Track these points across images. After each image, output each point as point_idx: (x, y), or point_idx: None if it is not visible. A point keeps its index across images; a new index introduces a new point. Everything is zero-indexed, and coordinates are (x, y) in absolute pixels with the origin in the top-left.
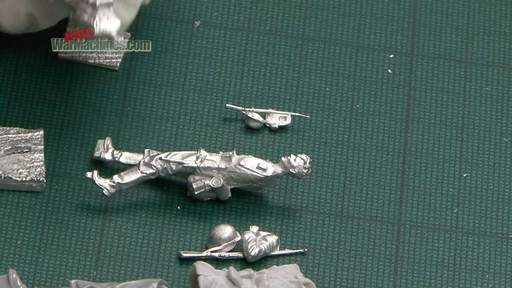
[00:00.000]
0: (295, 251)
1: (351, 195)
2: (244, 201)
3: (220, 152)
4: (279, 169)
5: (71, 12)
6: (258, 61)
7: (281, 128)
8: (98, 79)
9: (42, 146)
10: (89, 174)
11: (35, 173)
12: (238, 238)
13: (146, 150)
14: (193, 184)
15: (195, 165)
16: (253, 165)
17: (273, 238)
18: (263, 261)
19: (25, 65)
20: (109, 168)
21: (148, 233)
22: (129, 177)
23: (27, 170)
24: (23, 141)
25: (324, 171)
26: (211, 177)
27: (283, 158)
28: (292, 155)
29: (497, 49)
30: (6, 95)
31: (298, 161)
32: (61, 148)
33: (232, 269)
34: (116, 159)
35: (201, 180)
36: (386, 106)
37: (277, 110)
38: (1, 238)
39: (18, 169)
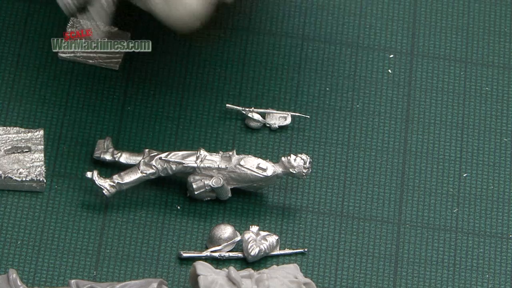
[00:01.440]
0: (295, 251)
1: (351, 195)
2: (244, 201)
3: (220, 152)
4: (279, 169)
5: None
6: (258, 61)
7: (281, 128)
8: (98, 79)
9: (42, 146)
10: (89, 174)
11: (35, 173)
12: (238, 238)
13: (146, 150)
14: (193, 184)
15: (195, 165)
16: (253, 165)
17: (273, 238)
18: (263, 261)
19: (25, 65)
20: (109, 168)
21: (148, 233)
22: (129, 177)
23: (27, 170)
24: (23, 141)
25: (324, 171)
26: (211, 177)
27: (283, 158)
28: (292, 155)
29: (497, 49)
30: (6, 95)
31: (298, 161)
32: (61, 148)
33: (232, 269)
34: (116, 159)
35: (201, 180)
36: (386, 106)
37: (277, 110)
38: (1, 238)
39: (18, 169)
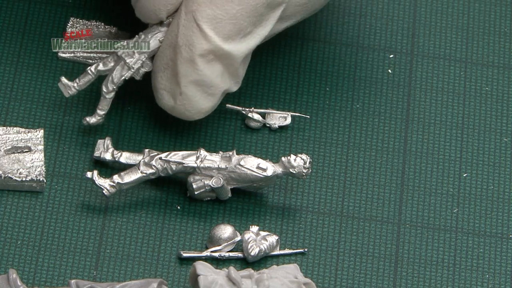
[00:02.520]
0: (295, 251)
1: (351, 195)
2: (244, 201)
3: (220, 152)
4: (279, 169)
5: None
6: (258, 61)
7: (281, 128)
8: (98, 79)
9: (42, 146)
10: (89, 174)
11: (35, 173)
12: (238, 238)
13: (146, 150)
14: (193, 184)
15: (195, 165)
16: (253, 165)
17: (273, 238)
18: (263, 261)
19: (25, 65)
20: (109, 168)
21: (148, 233)
22: (129, 177)
23: (27, 170)
24: (23, 141)
25: (324, 171)
26: (211, 177)
27: (283, 158)
28: (292, 155)
29: (497, 49)
30: (6, 95)
31: (298, 161)
32: (61, 148)
33: (232, 269)
34: (116, 159)
35: (201, 180)
36: (386, 106)
37: (277, 110)
38: (1, 238)
39: (18, 169)
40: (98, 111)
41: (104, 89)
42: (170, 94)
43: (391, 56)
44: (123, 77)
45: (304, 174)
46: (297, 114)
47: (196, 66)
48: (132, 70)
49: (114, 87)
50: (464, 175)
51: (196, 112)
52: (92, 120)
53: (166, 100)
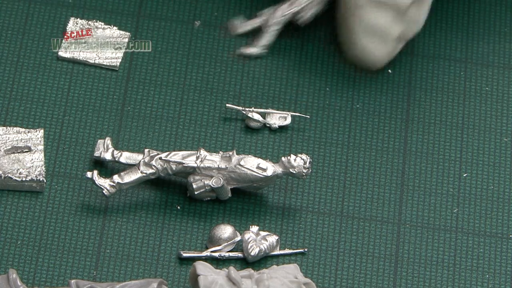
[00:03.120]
0: (295, 251)
1: (351, 195)
2: (244, 201)
3: (220, 152)
4: (279, 169)
5: None
6: (258, 61)
7: (281, 128)
8: (98, 79)
9: (42, 146)
10: (89, 174)
11: (35, 173)
12: (238, 238)
13: (146, 150)
14: (193, 184)
15: (195, 165)
16: (253, 165)
17: (273, 238)
18: (263, 261)
19: (25, 65)
20: (109, 168)
21: (148, 233)
22: (129, 177)
23: (27, 170)
24: (23, 141)
25: (324, 171)
26: (211, 177)
27: (283, 158)
28: (292, 155)
29: (497, 49)
30: (6, 95)
31: (298, 161)
32: (61, 148)
33: (232, 269)
34: (116, 159)
35: (201, 180)
36: (386, 106)
37: (277, 110)
38: (1, 238)
39: (18, 169)
40: (259, 43)
41: (266, 23)
42: (348, 45)
43: None
44: (284, 14)
45: (304, 174)
46: (297, 114)
47: (362, 15)
48: (296, 8)
49: (275, 21)
50: (464, 175)
51: (373, 60)
52: (251, 50)
53: (346, 52)
